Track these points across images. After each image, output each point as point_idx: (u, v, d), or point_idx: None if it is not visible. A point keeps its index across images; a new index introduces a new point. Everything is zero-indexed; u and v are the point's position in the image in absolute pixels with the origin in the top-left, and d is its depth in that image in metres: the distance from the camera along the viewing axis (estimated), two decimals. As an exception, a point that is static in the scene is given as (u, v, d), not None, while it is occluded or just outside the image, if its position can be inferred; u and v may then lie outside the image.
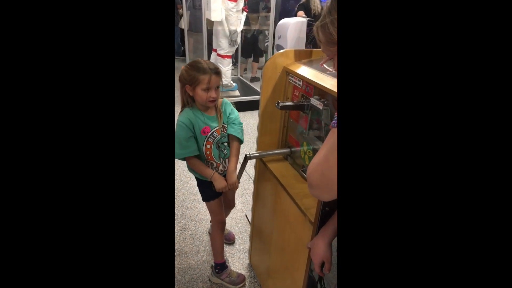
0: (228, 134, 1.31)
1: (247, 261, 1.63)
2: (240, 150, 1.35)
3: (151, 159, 0.38)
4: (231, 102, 1.35)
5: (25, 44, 0.32)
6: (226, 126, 1.31)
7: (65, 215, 0.34)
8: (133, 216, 0.36)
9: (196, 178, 1.37)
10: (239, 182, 1.33)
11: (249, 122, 3.31)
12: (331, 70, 0.70)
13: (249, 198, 2.06)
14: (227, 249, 1.70)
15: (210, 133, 1.25)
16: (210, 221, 1.73)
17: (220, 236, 1.45)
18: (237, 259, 1.65)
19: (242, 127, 1.33)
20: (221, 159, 1.33)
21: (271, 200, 1.26)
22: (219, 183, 1.29)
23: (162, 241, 0.38)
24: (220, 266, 1.49)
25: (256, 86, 4.08)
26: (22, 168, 0.32)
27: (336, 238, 0.89)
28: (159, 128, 0.38)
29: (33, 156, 0.32)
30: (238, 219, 1.93)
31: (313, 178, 0.62)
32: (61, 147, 0.33)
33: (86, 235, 0.35)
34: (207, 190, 1.36)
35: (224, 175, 1.34)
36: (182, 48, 3.85)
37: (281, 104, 1.04)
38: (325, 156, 0.60)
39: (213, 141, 1.27)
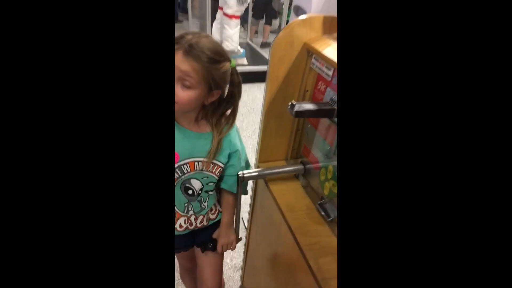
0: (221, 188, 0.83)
1: (239, 284, 1.33)
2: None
3: (148, 150, 0.34)
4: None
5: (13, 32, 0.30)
6: (221, 166, 0.77)
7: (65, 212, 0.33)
8: (130, 219, 0.34)
9: None
10: (238, 240, 0.90)
11: (256, 96, 2.89)
12: None
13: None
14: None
15: (176, 165, 0.72)
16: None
17: (187, 277, 1.12)
18: None
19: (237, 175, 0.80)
20: (189, 210, 0.80)
21: (272, 242, 0.91)
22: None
23: (161, 244, 0.35)
24: None
25: (267, 53, 3.58)
26: (17, 167, 0.31)
27: None
28: (156, 114, 0.34)
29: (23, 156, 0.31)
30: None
31: None
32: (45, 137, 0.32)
33: (83, 235, 0.33)
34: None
35: (185, 234, 0.84)
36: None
37: (297, 107, 0.64)
38: None
39: (178, 177, 0.74)
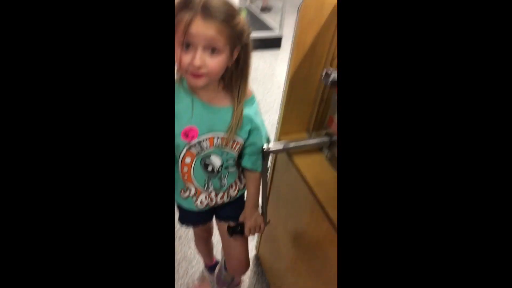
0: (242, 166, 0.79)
1: (254, 252, 1.36)
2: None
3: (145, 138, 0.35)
4: None
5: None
6: (240, 142, 0.73)
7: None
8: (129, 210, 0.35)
9: None
10: (266, 223, 0.87)
11: (258, 66, 2.79)
12: None
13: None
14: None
15: (196, 141, 0.69)
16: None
17: (202, 245, 1.13)
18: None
19: (260, 152, 0.77)
20: (209, 187, 0.78)
21: (294, 215, 0.90)
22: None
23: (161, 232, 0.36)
24: (209, 268, 1.23)
25: (267, 18, 3.41)
26: (15, 168, 0.32)
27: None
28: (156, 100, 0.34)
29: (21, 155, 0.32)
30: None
31: None
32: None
33: (82, 233, 0.34)
34: (181, 210, 0.87)
35: (206, 210, 0.83)
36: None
37: (333, 77, 0.60)
38: None
39: (197, 153, 0.71)
